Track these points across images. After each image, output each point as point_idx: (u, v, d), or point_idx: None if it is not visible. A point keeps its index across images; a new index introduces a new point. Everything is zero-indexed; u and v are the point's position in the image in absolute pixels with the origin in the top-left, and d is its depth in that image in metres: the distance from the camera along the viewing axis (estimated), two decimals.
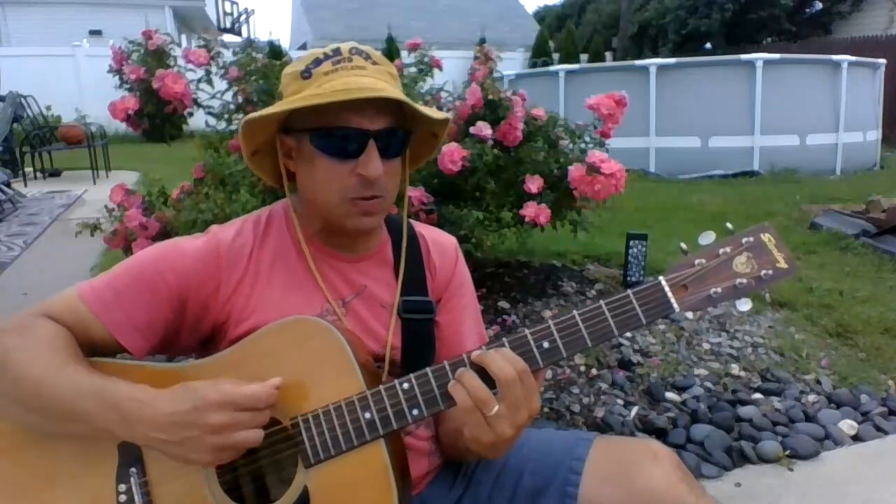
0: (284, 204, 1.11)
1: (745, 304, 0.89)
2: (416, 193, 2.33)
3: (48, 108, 10.29)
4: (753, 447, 2.14)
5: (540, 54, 17.60)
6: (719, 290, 0.89)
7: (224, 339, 1.03)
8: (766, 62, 8.22)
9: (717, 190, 7.16)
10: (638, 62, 9.23)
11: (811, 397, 2.49)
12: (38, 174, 8.77)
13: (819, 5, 18.62)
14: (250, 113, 2.63)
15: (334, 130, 0.96)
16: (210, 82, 2.59)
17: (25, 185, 7.95)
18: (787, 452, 2.11)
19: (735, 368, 2.67)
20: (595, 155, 2.45)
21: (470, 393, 0.86)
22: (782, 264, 0.90)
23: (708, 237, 0.92)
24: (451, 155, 2.35)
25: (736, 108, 8.32)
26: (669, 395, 2.45)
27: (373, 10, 20.49)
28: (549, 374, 2.47)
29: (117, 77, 2.68)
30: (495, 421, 0.86)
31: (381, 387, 0.91)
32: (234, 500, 0.92)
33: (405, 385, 0.91)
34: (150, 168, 7.15)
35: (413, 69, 2.95)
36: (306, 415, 0.91)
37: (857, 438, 2.25)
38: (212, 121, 2.62)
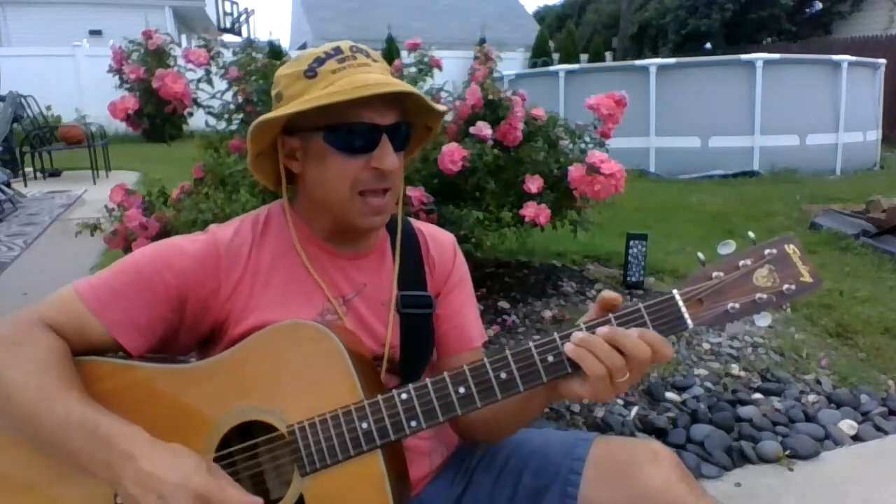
0: (283, 203, 1.11)
1: (763, 320, 0.86)
2: (416, 193, 2.33)
3: (48, 108, 10.30)
4: (753, 447, 2.14)
5: (540, 54, 17.60)
6: (737, 305, 0.85)
7: (224, 339, 1.03)
8: (766, 62, 8.21)
9: (717, 190, 7.15)
10: (638, 62, 9.22)
11: (811, 397, 2.49)
12: (38, 174, 8.77)
13: (819, 5, 18.62)
14: (250, 113, 2.63)
15: (348, 126, 0.97)
16: (210, 82, 2.60)
17: (25, 185, 7.95)
18: (787, 452, 2.11)
19: (735, 368, 2.67)
20: (595, 155, 2.45)
21: (604, 360, 0.85)
22: (807, 278, 0.86)
23: (728, 247, 0.88)
24: (451, 155, 2.35)
25: (736, 108, 8.32)
26: (669, 395, 2.45)
27: (373, 10, 20.48)
28: None
29: (117, 77, 2.68)
30: (622, 385, 0.86)
31: (380, 397, 0.90)
32: None
33: (403, 396, 0.90)
34: (150, 168, 7.15)
35: (413, 69, 2.95)
36: (303, 423, 0.90)
37: (857, 438, 2.25)
38: (212, 121, 2.63)
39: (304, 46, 19.18)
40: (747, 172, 8.08)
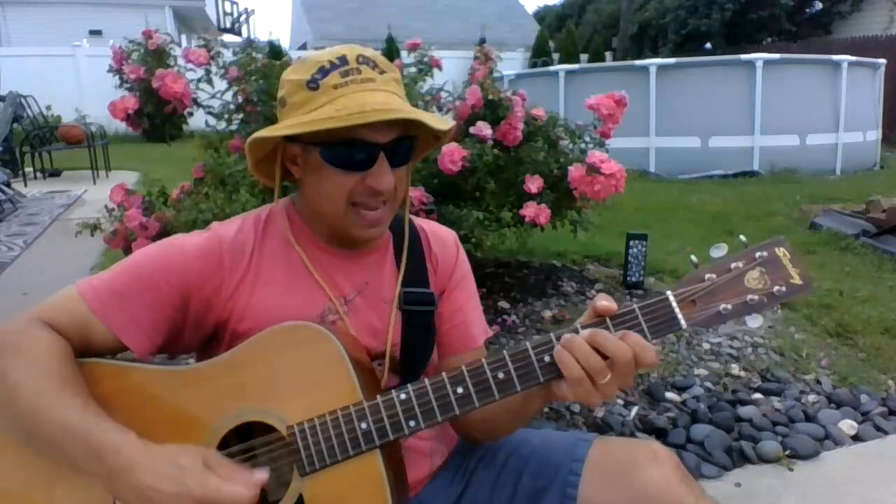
0: (286, 202, 1.11)
1: (755, 321, 0.87)
2: (416, 193, 2.34)
3: (48, 108, 10.30)
4: (753, 447, 2.14)
5: (540, 54, 17.60)
6: (729, 306, 0.87)
7: (226, 337, 1.03)
8: (766, 62, 8.22)
9: (717, 190, 7.16)
10: (638, 62, 9.23)
11: (811, 397, 2.49)
12: (38, 174, 8.77)
13: (819, 5, 18.62)
14: (250, 113, 2.63)
15: (345, 145, 0.95)
16: (210, 82, 2.60)
17: (25, 185, 7.95)
18: (787, 452, 2.11)
19: (735, 368, 2.67)
20: (595, 155, 2.45)
21: (582, 362, 0.85)
22: (797, 280, 0.87)
23: (720, 250, 0.89)
24: (451, 155, 2.35)
25: (736, 108, 8.32)
26: (669, 395, 2.45)
27: (373, 10, 20.48)
28: None
29: (117, 77, 2.68)
30: (606, 388, 0.85)
31: (379, 397, 0.90)
32: None
33: (402, 396, 0.90)
34: (150, 168, 7.15)
35: (413, 69, 2.95)
36: (302, 423, 0.90)
37: (857, 438, 2.25)
38: (212, 121, 2.63)
39: (304, 47, 19.18)
40: (747, 172, 8.08)
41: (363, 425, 0.89)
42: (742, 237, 0.91)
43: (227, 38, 19.97)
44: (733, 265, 0.89)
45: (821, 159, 8.39)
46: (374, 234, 1.04)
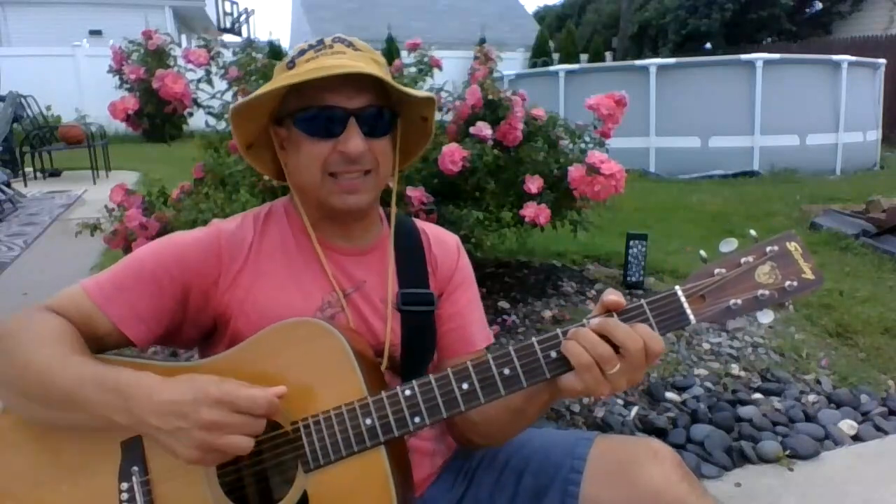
0: (285, 200, 1.13)
1: (766, 317, 0.86)
2: (416, 193, 2.34)
3: (48, 108, 10.30)
4: (753, 447, 2.14)
5: (540, 54, 17.59)
6: (739, 301, 0.85)
7: (226, 332, 1.04)
8: (766, 62, 8.22)
9: (717, 190, 7.16)
10: (638, 62, 9.23)
11: (811, 397, 2.49)
12: (38, 174, 8.77)
13: (819, 5, 18.62)
14: None
15: (314, 110, 0.98)
16: (210, 82, 2.59)
17: (25, 185, 7.95)
18: (787, 452, 2.11)
19: (735, 368, 2.67)
20: (595, 155, 2.45)
21: (590, 350, 0.84)
22: (808, 275, 0.86)
23: (730, 244, 0.88)
24: (452, 155, 2.35)
25: (736, 108, 8.32)
26: (669, 394, 2.45)
27: (373, 10, 20.48)
28: None
29: (117, 77, 2.68)
30: (614, 378, 0.85)
31: (384, 393, 0.90)
32: (237, 500, 0.92)
33: (407, 392, 0.90)
34: (150, 168, 7.15)
35: (413, 69, 2.95)
36: (307, 419, 0.91)
37: (857, 438, 2.26)
38: (212, 121, 2.62)
39: None
40: (747, 172, 8.08)
41: (368, 421, 0.89)
42: (752, 232, 0.90)
43: (227, 38, 20.01)
44: (743, 260, 0.87)
45: (821, 159, 8.39)
46: (354, 203, 1.03)
